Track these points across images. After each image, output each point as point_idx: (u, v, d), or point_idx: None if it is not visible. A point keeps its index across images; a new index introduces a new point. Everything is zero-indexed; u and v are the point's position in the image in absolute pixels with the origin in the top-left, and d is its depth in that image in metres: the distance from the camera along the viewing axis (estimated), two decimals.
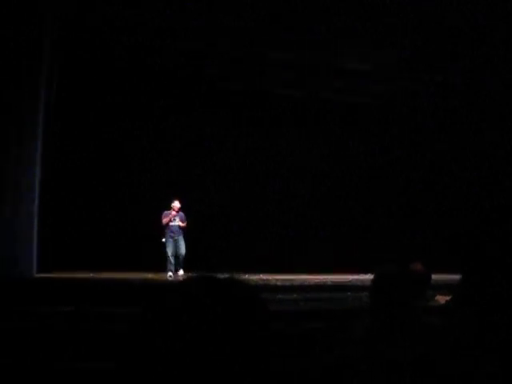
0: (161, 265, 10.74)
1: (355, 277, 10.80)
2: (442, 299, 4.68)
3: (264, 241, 13.36)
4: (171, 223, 10.54)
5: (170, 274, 10.46)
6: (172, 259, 10.50)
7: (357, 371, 1.84)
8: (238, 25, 10.44)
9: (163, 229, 10.70)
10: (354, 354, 2.02)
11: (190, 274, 9.85)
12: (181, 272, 10.63)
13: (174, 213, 10.55)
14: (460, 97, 13.15)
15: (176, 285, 0.82)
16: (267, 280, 10.56)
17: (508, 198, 11.65)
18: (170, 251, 10.49)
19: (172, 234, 10.56)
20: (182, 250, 10.57)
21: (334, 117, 14.05)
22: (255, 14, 10.08)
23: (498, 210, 11.65)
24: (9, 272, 8.65)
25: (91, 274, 10.18)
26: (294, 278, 10.72)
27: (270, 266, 11.88)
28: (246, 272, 10.93)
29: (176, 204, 10.64)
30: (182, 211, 10.85)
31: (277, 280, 10.43)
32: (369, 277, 9.68)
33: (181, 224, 10.58)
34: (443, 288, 7.78)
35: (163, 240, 10.65)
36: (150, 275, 10.39)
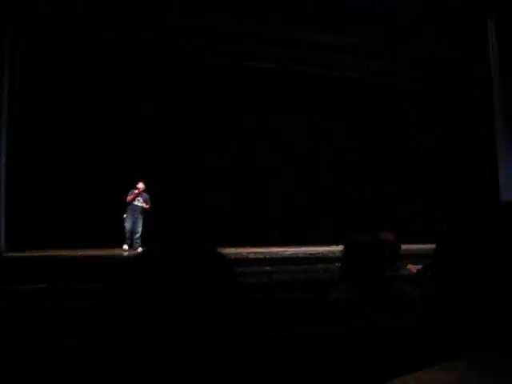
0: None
1: (327, 248, 10.90)
2: (413, 268, 4.74)
3: (236, 214, 13.39)
4: (135, 202, 11.13)
5: (126, 246, 11.10)
6: (128, 234, 11.14)
7: (334, 341, 1.85)
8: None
9: (126, 206, 11.23)
10: (330, 324, 2.02)
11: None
12: (139, 250, 10.92)
13: (136, 191, 11.12)
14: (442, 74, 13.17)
15: (151, 252, 0.80)
16: (240, 253, 10.59)
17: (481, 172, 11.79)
18: (127, 226, 11.15)
19: (132, 212, 11.15)
20: (139, 228, 11.16)
21: (313, 92, 13.98)
22: None
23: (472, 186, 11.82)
24: None
25: (63, 252, 10.14)
26: (266, 251, 10.79)
27: (242, 240, 11.94)
28: (218, 245, 10.97)
29: (140, 185, 11.21)
30: (149, 192, 11.35)
31: (249, 253, 10.48)
32: (340, 248, 9.82)
33: (144, 205, 11.16)
34: (414, 258, 7.91)
35: (124, 216, 11.22)
36: (115, 251, 10.73)
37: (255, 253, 10.48)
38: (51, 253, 9.94)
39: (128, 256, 9.94)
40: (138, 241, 11.09)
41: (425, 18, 11.19)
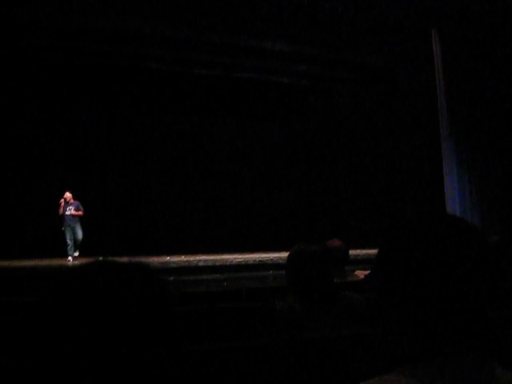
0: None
1: (277, 255, 10.92)
2: (361, 274, 4.78)
3: (185, 221, 13.32)
4: (66, 212, 11.23)
5: (70, 258, 11.12)
6: (71, 245, 11.23)
7: (283, 351, 1.83)
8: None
9: (62, 218, 11.35)
10: (280, 334, 2.01)
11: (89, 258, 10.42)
12: (76, 253, 11.30)
13: (61, 202, 11.20)
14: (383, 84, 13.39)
15: (73, 271, 0.79)
16: (189, 261, 10.52)
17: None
18: (67, 237, 11.25)
19: (68, 222, 11.27)
20: (79, 235, 11.32)
21: (254, 98, 14.05)
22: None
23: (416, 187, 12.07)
24: None
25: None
26: (216, 258, 10.74)
27: (191, 247, 11.88)
28: (167, 254, 10.97)
29: (66, 195, 11.30)
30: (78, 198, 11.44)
31: (198, 260, 10.41)
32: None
33: (73, 213, 11.24)
34: (362, 263, 8.02)
35: (62, 228, 11.29)
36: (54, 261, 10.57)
37: (205, 260, 10.42)
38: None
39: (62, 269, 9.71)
40: (77, 247, 11.32)
41: (369, 29, 11.38)
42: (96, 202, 12.13)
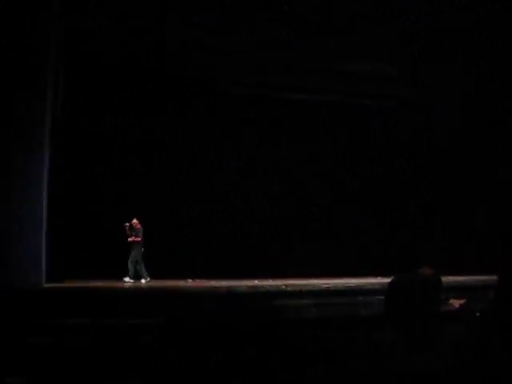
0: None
1: (363, 280, 10.72)
2: (456, 303, 4.62)
3: (272, 245, 13.20)
4: (128, 239, 11.68)
5: (126, 279, 11.55)
6: (131, 269, 11.64)
7: (383, 381, 1.82)
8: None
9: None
10: (379, 364, 1.99)
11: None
12: (144, 280, 11.69)
13: (125, 227, 11.68)
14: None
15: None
16: (276, 285, 10.51)
17: None
18: (128, 261, 11.69)
19: (131, 247, 11.72)
20: (135, 259, 11.70)
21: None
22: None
23: None
24: (17, 282, 8.66)
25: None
26: (302, 283, 10.65)
27: (278, 270, 11.81)
28: (255, 278, 10.99)
29: (132, 221, 11.71)
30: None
31: (286, 285, 10.36)
32: (375, 280, 9.60)
33: (130, 239, 11.68)
34: (452, 291, 7.74)
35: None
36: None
37: (292, 285, 10.33)
38: (89, 283, 10.04)
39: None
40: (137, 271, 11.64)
41: None
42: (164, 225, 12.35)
